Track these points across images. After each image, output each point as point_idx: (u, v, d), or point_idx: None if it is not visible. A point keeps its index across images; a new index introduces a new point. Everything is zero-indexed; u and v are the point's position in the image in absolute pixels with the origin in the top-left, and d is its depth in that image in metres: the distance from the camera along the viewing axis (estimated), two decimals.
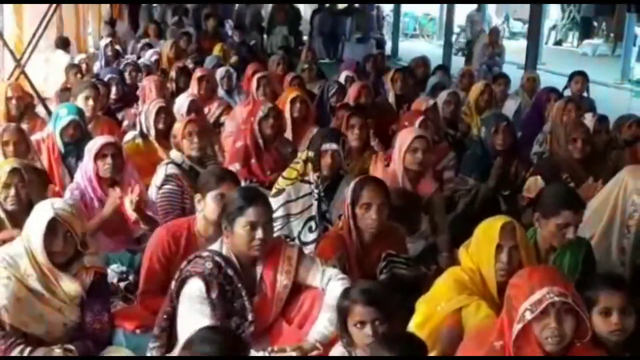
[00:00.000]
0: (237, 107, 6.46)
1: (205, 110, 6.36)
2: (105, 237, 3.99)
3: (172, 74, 7.18)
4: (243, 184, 4.88)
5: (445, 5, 15.67)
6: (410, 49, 17.70)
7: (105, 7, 11.57)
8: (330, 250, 3.41)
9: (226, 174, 3.50)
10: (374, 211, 3.40)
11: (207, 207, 3.36)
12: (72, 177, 4.45)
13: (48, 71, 9.07)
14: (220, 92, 7.08)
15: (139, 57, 8.52)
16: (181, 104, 5.65)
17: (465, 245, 3.08)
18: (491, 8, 22.47)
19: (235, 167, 5.02)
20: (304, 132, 5.63)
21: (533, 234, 3.39)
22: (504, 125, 4.90)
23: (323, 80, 8.20)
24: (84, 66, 8.10)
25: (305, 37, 17.10)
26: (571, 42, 22.38)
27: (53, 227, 2.84)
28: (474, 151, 5.13)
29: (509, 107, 7.06)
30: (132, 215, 4.03)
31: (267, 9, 20.27)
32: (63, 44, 9.57)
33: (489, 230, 2.98)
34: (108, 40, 9.16)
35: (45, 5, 7.81)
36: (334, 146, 4.08)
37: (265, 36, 16.22)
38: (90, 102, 5.32)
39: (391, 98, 6.92)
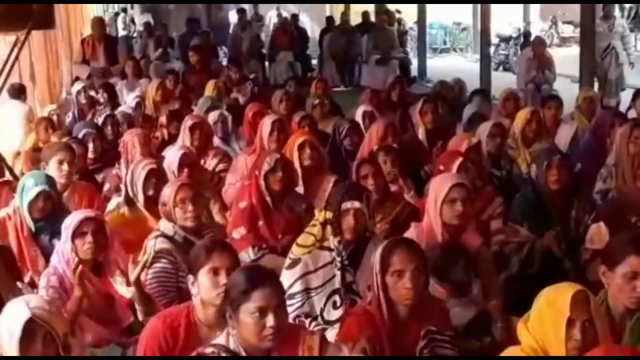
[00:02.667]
0: (240, 156, 6.50)
1: (201, 163, 6.43)
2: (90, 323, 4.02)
3: (162, 119, 7.29)
4: (251, 251, 4.96)
5: (479, 12, 15.78)
6: (440, 66, 17.86)
7: (77, 46, 11.80)
8: (357, 330, 3.41)
9: (214, 243, 3.53)
10: (408, 279, 3.39)
11: (201, 287, 3.38)
12: (46, 260, 4.50)
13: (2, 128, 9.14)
14: (215, 139, 7.15)
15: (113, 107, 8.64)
16: (171, 159, 5.69)
17: (524, 319, 3.08)
18: (534, 11, 22.65)
19: (240, 231, 5.07)
20: (318, 182, 5.67)
21: (604, 297, 3.38)
22: (557, 160, 4.90)
23: (338, 117, 8.29)
24: (55, 118, 8.24)
25: (314, 61, 17.31)
26: (634, 46, 22.38)
27: (30, 330, 2.88)
28: (524, 194, 5.14)
29: (563, 135, 7.06)
30: (125, 294, 4.07)
31: (267, 32, 20.66)
32: (17, 92, 9.40)
33: (557, 302, 2.97)
34: (80, 86, 9.28)
35: (6, 46, 7.86)
36: (356, 204, 4.07)
37: (267, 64, 16.45)
38: (65, 166, 5.40)
39: (421, 134, 6.97)
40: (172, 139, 6.98)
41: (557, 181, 4.92)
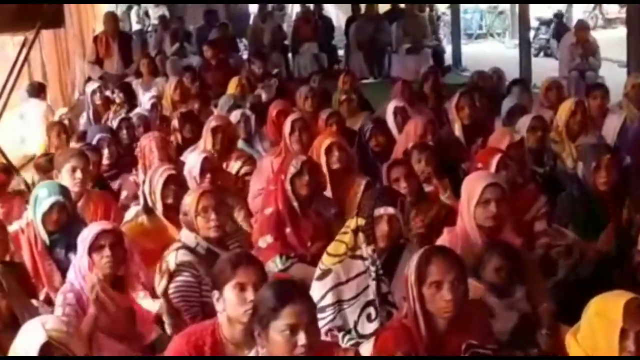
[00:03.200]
0: (265, 158, 6.50)
1: (223, 166, 6.45)
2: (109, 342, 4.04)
3: (175, 122, 7.31)
4: (279, 260, 4.96)
5: None
6: (476, 54, 17.77)
7: (90, 44, 11.88)
8: (394, 345, 3.41)
9: (241, 257, 3.53)
10: (447, 290, 3.38)
11: (227, 303, 3.40)
12: (62, 274, 4.54)
13: (24, 131, 9.34)
14: (239, 141, 7.17)
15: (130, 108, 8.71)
16: (193, 164, 5.70)
17: (573, 331, 3.06)
18: None
19: (266, 240, 5.07)
20: (348, 186, 5.66)
21: None
22: (607, 160, 4.87)
23: (368, 113, 8.29)
24: (66, 122, 8.31)
25: (340, 52, 17.29)
26: None
27: (47, 353, 2.91)
28: (569, 193, 5.11)
29: (611, 126, 7.03)
30: (150, 307, 4.09)
31: (289, 22, 20.66)
32: (36, 90, 9.72)
33: (608, 312, 2.96)
34: (95, 85, 9.36)
35: (14, 47, 7.96)
36: (390, 210, 4.08)
37: (290, 56, 16.45)
38: (78, 174, 5.43)
39: (458, 130, 6.93)
40: (187, 143, 6.97)
41: (606, 182, 4.89)
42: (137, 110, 8.47)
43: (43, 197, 4.79)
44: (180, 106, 8.58)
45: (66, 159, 5.57)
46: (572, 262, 4.64)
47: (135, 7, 22.65)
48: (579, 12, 20.26)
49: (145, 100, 8.93)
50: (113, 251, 4.08)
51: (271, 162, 6.20)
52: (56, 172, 5.61)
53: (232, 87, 9.19)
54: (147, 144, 6.28)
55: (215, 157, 6.06)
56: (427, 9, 17.98)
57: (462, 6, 19.24)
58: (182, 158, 6.51)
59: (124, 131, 7.43)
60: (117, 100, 8.97)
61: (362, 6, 17.71)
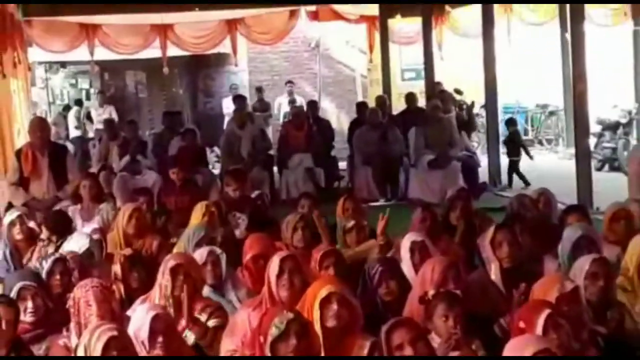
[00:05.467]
0: (240, 312, 6.45)
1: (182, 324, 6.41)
2: None
3: (116, 268, 7.25)
4: None
5: (570, 89, 15.85)
6: (521, 167, 17.86)
7: (13, 161, 11.88)
8: None
9: None
10: None
11: None
12: None
13: None
14: (205, 288, 7.14)
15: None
16: (139, 324, 5.66)
17: None
18: None
19: None
20: (347, 349, 5.62)
21: None
22: None
23: (373, 241, 8.28)
24: None
25: (342, 165, 17.44)
26: None
27: None
28: None
29: None
30: None
31: (275, 126, 20.92)
32: None
33: None
34: (15, 215, 9.33)
35: None
36: None
37: (276, 172, 16.56)
38: None
39: (494, 274, 6.92)
40: (134, 295, 6.96)
41: None
42: (69, 247, 8.36)
43: None
44: (136, 243, 8.57)
45: None
46: None
47: (73, 109, 22.97)
48: None
49: (77, 239, 8.75)
50: None
51: (248, 315, 6.17)
52: None
53: (197, 215, 9.10)
54: (82, 295, 6.22)
55: (170, 315, 6.02)
56: (455, 109, 18.10)
57: (501, 104, 19.44)
58: (129, 312, 6.49)
59: (57, 277, 7.36)
60: (43, 235, 8.92)
61: (371, 104, 17.99)
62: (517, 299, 6.33)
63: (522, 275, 6.68)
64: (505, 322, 6.14)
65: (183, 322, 6.37)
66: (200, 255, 7.39)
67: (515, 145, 17.57)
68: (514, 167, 17.14)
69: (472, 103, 19.22)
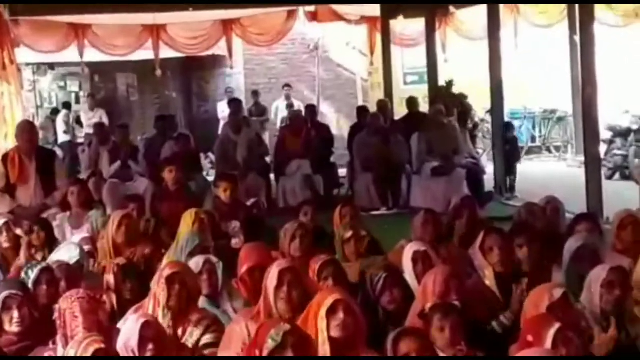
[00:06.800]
0: (237, 323, 6.44)
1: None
2: None
3: (109, 278, 7.26)
4: None
5: (580, 94, 15.82)
6: (528, 174, 17.95)
7: None
8: None
9: None
10: None
11: None
12: None
13: None
14: (200, 299, 7.14)
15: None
16: (129, 333, 5.65)
17: None
18: None
19: None
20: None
21: None
22: None
23: (380, 258, 8.27)
24: None
25: (342, 172, 17.43)
26: None
27: None
28: None
29: None
30: None
31: (272, 131, 20.93)
32: None
33: None
34: (1, 222, 9.32)
35: None
36: None
37: (273, 179, 16.55)
38: None
39: (488, 279, 6.94)
40: (126, 306, 6.94)
41: None
42: (57, 257, 8.35)
43: None
44: (126, 251, 8.56)
45: None
46: None
47: (62, 112, 22.96)
48: None
49: (67, 249, 8.74)
50: None
51: (246, 326, 6.16)
52: None
53: (187, 223, 9.02)
54: (68, 306, 6.21)
55: (159, 323, 6.03)
56: (455, 111, 17.99)
57: (508, 109, 19.42)
58: (120, 323, 6.48)
59: (43, 287, 7.35)
60: (36, 242, 8.93)
61: (372, 108, 17.99)
62: (517, 296, 6.39)
63: (518, 279, 6.73)
64: (506, 317, 6.36)
65: (179, 332, 6.40)
66: (196, 264, 7.37)
67: (515, 151, 17.65)
68: (512, 173, 17.15)
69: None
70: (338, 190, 16.93)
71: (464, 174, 15.37)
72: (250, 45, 23.06)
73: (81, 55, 20.81)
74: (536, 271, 7.21)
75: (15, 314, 6.75)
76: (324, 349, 5.59)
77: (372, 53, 22.66)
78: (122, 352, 5.54)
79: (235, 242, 9.28)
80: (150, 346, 5.60)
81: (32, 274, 7.48)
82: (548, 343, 4.96)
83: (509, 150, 17.46)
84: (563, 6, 19.31)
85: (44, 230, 9.24)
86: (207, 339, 6.49)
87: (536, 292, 5.90)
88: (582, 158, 15.62)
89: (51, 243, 9.09)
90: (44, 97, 25.03)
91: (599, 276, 6.18)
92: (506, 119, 18.95)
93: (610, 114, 18.21)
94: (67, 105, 23.69)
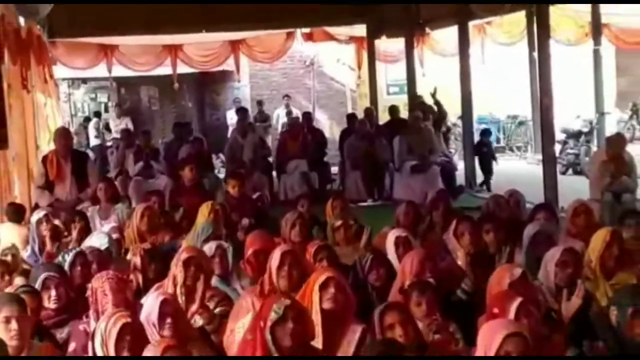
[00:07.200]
0: (245, 297, 6.40)
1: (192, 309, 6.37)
2: None
3: (136, 260, 7.24)
4: None
5: (538, 101, 15.84)
6: (494, 171, 17.89)
7: (39, 166, 11.88)
8: None
9: None
10: None
11: None
12: None
13: None
14: (213, 278, 7.12)
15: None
16: (150, 309, 5.60)
17: None
18: (609, 99, 22.74)
19: None
20: (341, 333, 5.60)
21: None
22: None
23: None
24: (9, 259, 8.22)
25: (334, 170, 17.43)
26: None
27: None
28: (608, 344, 5.05)
29: None
30: None
31: (274, 135, 20.95)
32: (16, 214, 9.87)
33: None
34: (42, 214, 9.32)
35: None
36: None
37: (275, 176, 16.55)
38: (14, 324, 5.33)
39: (461, 260, 6.91)
40: (150, 285, 6.90)
41: None
42: (90, 243, 8.35)
43: None
44: (149, 238, 8.55)
45: None
46: None
47: (93, 120, 23.01)
48: (612, 122, 20.55)
49: (98, 237, 8.74)
50: None
51: (252, 301, 6.13)
52: None
53: (204, 213, 8.96)
54: (99, 285, 6.18)
55: (177, 300, 6.01)
56: (431, 117, 18.00)
57: (476, 115, 19.46)
58: (142, 301, 6.46)
59: (78, 269, 7.35)
60: (75, 231, 8.93)
61: (360, 115, 17.99)
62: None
63: (486, 259, 6.76)
64: (466, 284, 6.41)
65: (193, 308, 6.36)
66: (209, 248, 7.40)
67: (491, 152, 17.68)
68: (488, 171, 17.16)
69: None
70: (331, 185, 16.92)
71: (438, 171, 15.50)
72: (255, 62, 23.09)
73: (109, 71, 20.73)
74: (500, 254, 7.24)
75: (53, 292, 6.74)
76: (317, 319, 5.57)
77: (359, 68, 22.61)
78: (144, 325, 5.51)
79: (241, 234, 9.26)
80: (169, 320, 5.55)
81: (68, 258, 7.51)
82: (512, 315, 4.93)
83: (486, 152, 17.49)
84: (523, 26, 19.38)
85: (83, 220, 9.30)
86: (217, 310, 6.50)
87: (498, 271, 5.88)
88: (540, 156, 15.59)
89: (88, 232, 9.13)
90: (78, 107, 25.11)
91: (554, 256, 6.19)
92: (475, 124, 19.01)
93: (564, 118, 18.21)
94: (97, 114, 23.77)
